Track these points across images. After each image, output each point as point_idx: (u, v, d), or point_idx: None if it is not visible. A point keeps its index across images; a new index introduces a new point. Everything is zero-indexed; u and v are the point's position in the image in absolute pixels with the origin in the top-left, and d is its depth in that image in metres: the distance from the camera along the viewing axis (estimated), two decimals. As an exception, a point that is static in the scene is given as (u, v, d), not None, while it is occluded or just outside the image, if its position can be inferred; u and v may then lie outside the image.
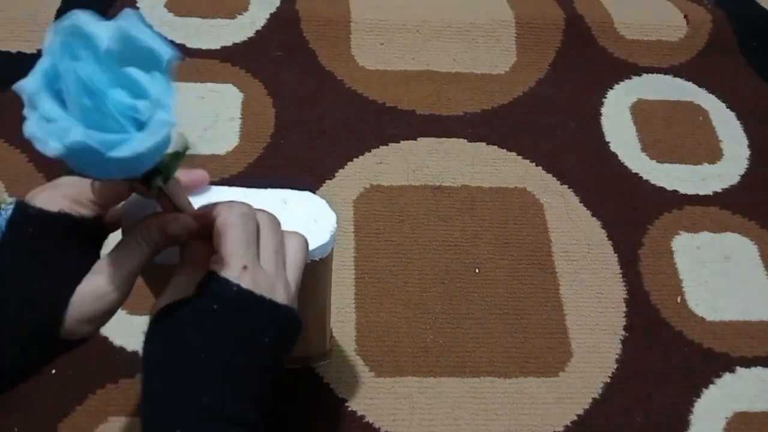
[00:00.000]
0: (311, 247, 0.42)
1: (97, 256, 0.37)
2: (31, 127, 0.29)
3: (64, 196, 0.35)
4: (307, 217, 0.44)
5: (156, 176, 0.35)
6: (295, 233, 0.40)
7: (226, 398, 0.33)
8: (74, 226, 0.35)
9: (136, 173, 0.33)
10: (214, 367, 0.33)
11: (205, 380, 0.33)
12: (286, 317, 0.36)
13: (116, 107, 0.30)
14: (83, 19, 0.30)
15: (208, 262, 0.36)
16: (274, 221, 0.38)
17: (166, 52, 0.31)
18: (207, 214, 0.37)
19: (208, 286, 0.34)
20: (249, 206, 0.37)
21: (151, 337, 0.35)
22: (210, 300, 0.34)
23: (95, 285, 0.35)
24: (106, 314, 0.36)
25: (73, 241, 0.35)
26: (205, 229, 0.37)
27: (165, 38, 0.31)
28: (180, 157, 0.35)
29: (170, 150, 0.33)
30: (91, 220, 0.36)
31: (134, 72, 0.30)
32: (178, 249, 0.39)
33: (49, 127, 0.29)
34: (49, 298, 0.34)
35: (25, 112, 0.29)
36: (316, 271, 0.45)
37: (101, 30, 0.29)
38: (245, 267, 0.34)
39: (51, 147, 0.29)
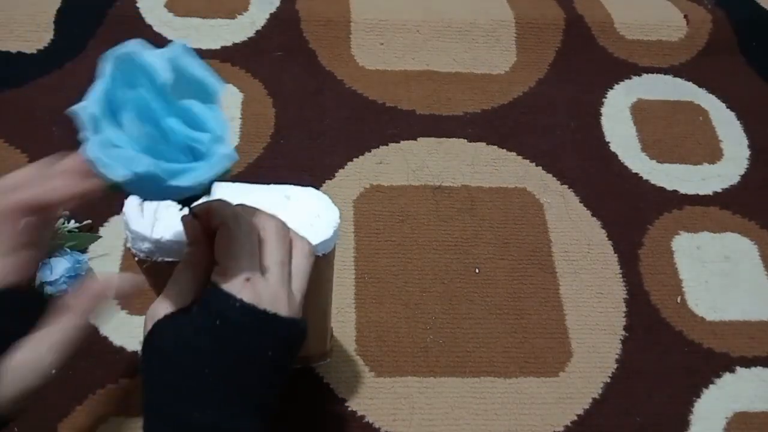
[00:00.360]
0: (314, 242, 0.42)
1: (29, 329, 0.35)
2: (95, 151, 0.30)
3: None
4: (309, 212, 0.44)
5: (197, 198, 0.35)
6: (301, 238, 0.39)
7: (226, 416, 0.33)
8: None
9: (186, 197, 0.33)
10: (216, 384, 0.33)
11: (208, 398, 0.32)
12: (289, 330, 0.35)
13: (174, 135, 0.31)
14: (139, 49, 0.31)
15: (209, 264, 0.36)
16: (282, 229, 0.37)
17: (218, 85, 0.32)
18: (209, 216, 0.36)
19: (210, 300, 0.34)
20: (254, 213, 0.37)
21: (150, 347, 0.34)
22: (212, 315, 0.33)
23: (24, 358, 0.33)
24: (36, 389, 0.34)
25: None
26: (206, 230, 0.37)
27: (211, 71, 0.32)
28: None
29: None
30: (10, 289, 0.34)
31: (194, 105, 0.31)
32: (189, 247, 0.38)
33: (116, 152, 0.30)
34: None
35: (85, 134, 0.30)
36: (318, 267, 0.45)
37: (157, 60, 0.31)
38: (247, 279, 0.34)
39: (118, 173, 0.30)
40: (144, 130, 0.31)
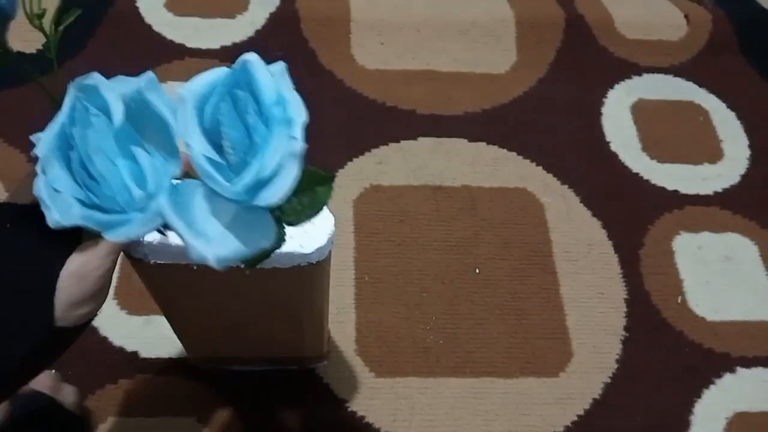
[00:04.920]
0: (308, 249, 0.42)
1: (79, 242, 0.36)
2: (40, 190, 0.30)
3: None
4: None
5: None
6: None
7: None
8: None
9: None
10: None
11: None
12: None
13: (115, 182, 0.30)
14: (102, 82, 0.30)
15: None
16: None
17: (175, 126, 0.31)
18: None
19: None
20: None
21: None
22: None
23: (77, 265, 0.34)
24: (95, 296, 0.35)
25: (50, 229, 0.35)
26: None
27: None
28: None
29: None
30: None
31: (139, 154, 0.30)
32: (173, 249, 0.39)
33: (56, 196, 0.29)
34: (37, 285, 0.34)
35: (38, 170, 0.30)
36: (312, 274, 0.45)
37: (113, 99, 0.30)
38: None
39: (52, 218, 0.29)
40: (92, 175, 0.30)
